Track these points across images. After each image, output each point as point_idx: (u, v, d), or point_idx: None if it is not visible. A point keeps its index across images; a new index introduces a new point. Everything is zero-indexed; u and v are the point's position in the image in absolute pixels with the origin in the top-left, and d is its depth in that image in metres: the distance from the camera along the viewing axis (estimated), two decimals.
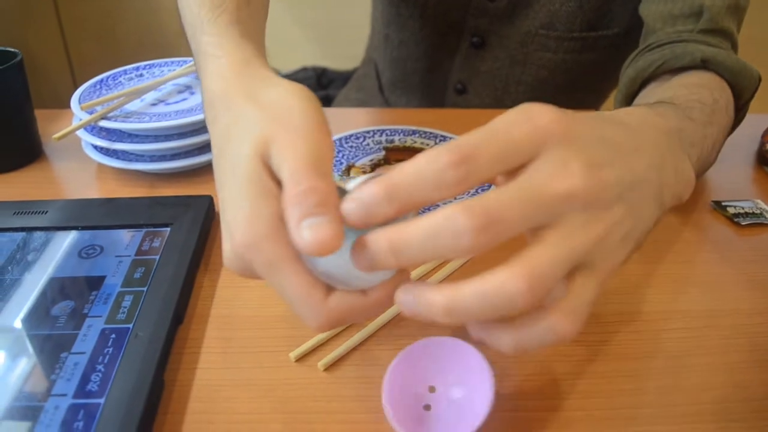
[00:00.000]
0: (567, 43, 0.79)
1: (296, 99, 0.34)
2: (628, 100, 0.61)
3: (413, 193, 0.28)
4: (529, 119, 0.29)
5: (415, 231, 0.27)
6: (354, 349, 0.42)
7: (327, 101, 1.12)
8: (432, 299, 0.28)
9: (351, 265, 0.30)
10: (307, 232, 0.28)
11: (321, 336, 0.42)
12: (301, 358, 0.42)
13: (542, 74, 0.82)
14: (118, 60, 1.46)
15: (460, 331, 0.42)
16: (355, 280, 0.31)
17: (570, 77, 0.83)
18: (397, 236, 0.28)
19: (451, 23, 0.83)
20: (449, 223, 0.26)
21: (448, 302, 0.28)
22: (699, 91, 0.53)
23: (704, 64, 0.57)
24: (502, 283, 0.27)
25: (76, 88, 0.65)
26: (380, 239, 0.28)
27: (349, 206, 0.29)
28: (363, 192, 0.28)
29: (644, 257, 0.51)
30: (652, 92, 0.57)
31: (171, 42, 1.45)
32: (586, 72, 0.83)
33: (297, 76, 1.21)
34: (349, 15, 1.33)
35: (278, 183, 0.31)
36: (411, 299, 0.29)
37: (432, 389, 0.37)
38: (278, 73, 1.22)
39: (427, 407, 0.37)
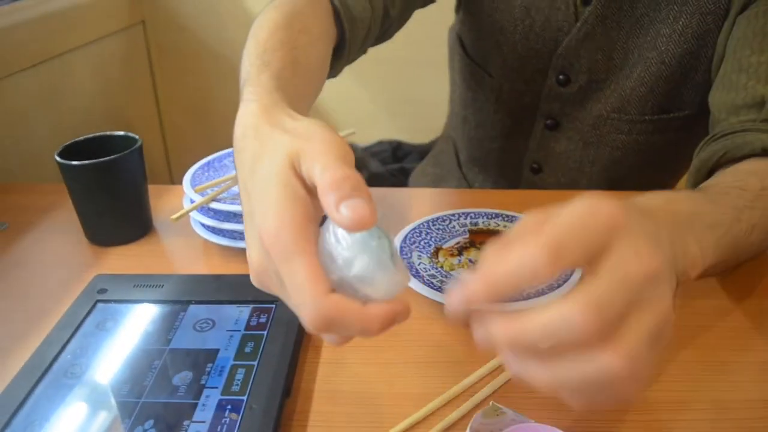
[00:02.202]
0: (639, 126, 0.82)
1: (318, 126, 0.38)
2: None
3: (510, 290, 0.32)
4: (596, 214, 0.33)
5: (534, 327, 0.31)
6: (452, 427, 0.45)
7: (403, 173, 1.17)
8: (496, 333, 0.32)
9: (365, 273, 0.33)
10: (346, 210, 0.32)
11: (419, 413, 0.45)
12: None
13: (616, 155, 0.85)
14: (207, 133, 1.58)
15: (567, 422, 0.44)
16: (364, 289, 0.33)
17: (643, 157, 0.85)
18: (519, 331, 0.31)
19: (525, 107, 0.87)
20: (567, 324, 0.30)
21: (512, 337, 0.32)
22: (745, 178, 0.56)
23: (765, 153, 0.59)
24: (562, 313, 0.31)
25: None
26: (501, 331, 0.32)
27: (454, 301, 0.33)
28: (466, 287, 0.32)
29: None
30: (712, 181, 0.60)
31: None
32: (659, 152, 0.85)
33: (373, 149, 1.27)
34: (423, 92, 1.40)
35: (308, 190, 0.35)
36: (481, 332, 0.33)
37: None
38: (356, 145, 1.29)
39: None
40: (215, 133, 1.58)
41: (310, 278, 0.33)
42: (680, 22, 0.74)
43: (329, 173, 0.33)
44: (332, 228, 0.34)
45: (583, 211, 0.33)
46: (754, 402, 0.47)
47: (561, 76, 0.82)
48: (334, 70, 0.71)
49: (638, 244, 0.33)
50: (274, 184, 0.35)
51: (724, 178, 0.58)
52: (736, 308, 0.57)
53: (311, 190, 0.35)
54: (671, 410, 0.46)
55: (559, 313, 0.31)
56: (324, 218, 0.35)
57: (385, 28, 0.77)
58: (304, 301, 0.33)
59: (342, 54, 0.69)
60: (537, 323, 0.31)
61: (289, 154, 0.36)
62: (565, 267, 0.32)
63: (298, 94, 0.53)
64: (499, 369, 0.50)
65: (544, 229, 0.32)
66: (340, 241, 0.33)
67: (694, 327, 0.55)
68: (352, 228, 0.32)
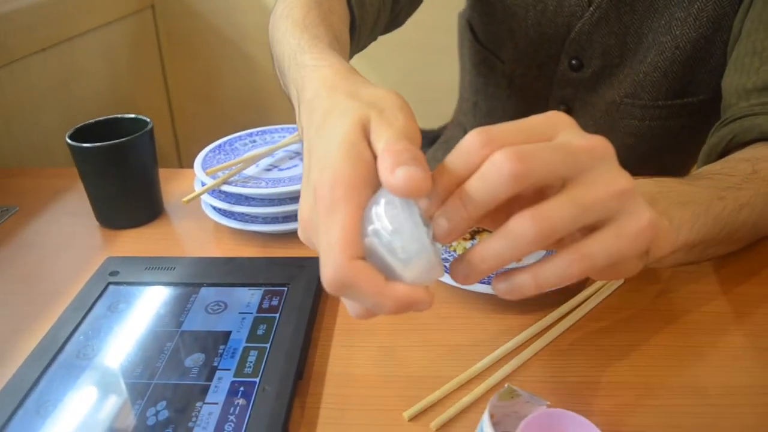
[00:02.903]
0: (652, 111, 0.81)
1: (392, 95, 0.38)
2: None
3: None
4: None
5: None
6: (466, 410, 0.45)
7: None
8: (521, 280, 0.34)
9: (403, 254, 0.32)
10: (401, 172, 0.31)
11: (433, 396, 0.45)
12: (414, 418, 0.44)
13: (629, 141, 0.84)
14: (216, 118, 1.57)
15: (580, 406, 0.44)
16: (396, 265, 0.32)
17: (657, 143, 0.84)
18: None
19: (538, 93, 0.86)
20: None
21: (535, 277, 0.34)
22: (735, 164, 0.55)
23: None
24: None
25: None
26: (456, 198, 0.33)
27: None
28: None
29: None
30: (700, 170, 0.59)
31: (266, 102, 1.54)
32: (673, 138, 0.84)
33: None
34: (433, 77, 1.39)
35: (373, 156, 0.34)
36: (504, 285, 0.35)
37: None
38: None
39: None
40: (224, 118, 1.58)
41: (342, 238, 0.32)
42: (695, 6, 0.73)
43: (391, 143, 0.33)
44: (383, 196, 0.33)
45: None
46: (733, 388, 0.46)
47: (574, 61, 0.81)
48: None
49: (617, 169, 0.35)
50: (341, 141, 0.35)
51: (712, 166, 0.57)
52: (718, 294, 0.56)
53: (375, 159, 0.35)
54: (649, 395, 0.46)
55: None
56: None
57: (396, 13, 0.76)
58: (331, 258, 0.32)
59: (353, 38, 0.69)
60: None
61: (362, 117, 0.36)
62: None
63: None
64: (513, 352, 0.50)
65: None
66: (387, 211, 0.32)
67: (674, 312, 0.54)
68: (404, 192, 0.31)
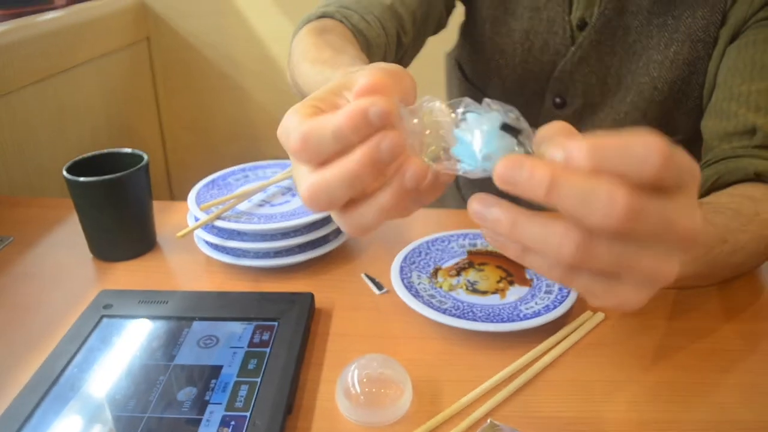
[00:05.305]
0: None
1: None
2: None
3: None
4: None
5: (576, 179, 0.29)
6: None
7: None
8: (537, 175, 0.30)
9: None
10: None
11: (419, 431, 0.47)
12: None
13: None
14: (208, 150, 1.59)
15: None
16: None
17: None
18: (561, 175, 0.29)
19: None
20: (604, 194, 0.28)
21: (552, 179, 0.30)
22: (741, 200, 0.57)
23: (758, 178, 0.60)
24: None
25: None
26: (540, 173, 0.29)
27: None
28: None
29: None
30: (710, 198, 0.60)
31: (258, 134, 1.57)
32: None
33: None
34: None
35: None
36: (479, 207, 0.33)
37: None
38: None
39: None
40: (216, 148, 1.60)
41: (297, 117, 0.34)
42: (671, 49, 0.76)
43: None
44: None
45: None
46: (739, 423, 0.48)
47: (557, 99, 0.84)
48: None
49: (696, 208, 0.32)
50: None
51: (720, 198, 0.59)
52: (700, 330, 0.58)
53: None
54: (658, 430, 0.48)
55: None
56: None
57: (400, 56, 0.79)
58: (290, 129, 0.33)
59: None
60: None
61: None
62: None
63: None
64: (496, 388, 0.51)
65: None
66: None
67: (655, 347, 0.56)
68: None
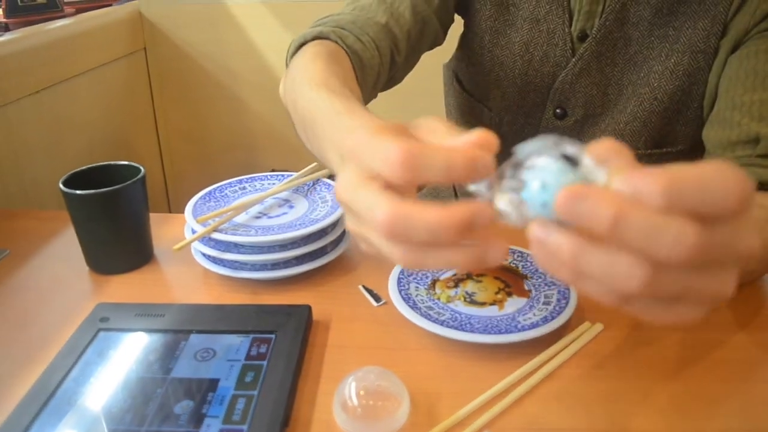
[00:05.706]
0: None
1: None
2: None
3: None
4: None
5: (644, 215, 0.29)
6: None
7: None
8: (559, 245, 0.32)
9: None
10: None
11: None
12: None
13: None
14: (205, 161, 1.60)
15: None
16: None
17: None
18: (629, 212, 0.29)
19: (525, 139, 0.89)
20: (674, 230, 0.29)
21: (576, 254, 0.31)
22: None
23: (762, 187, 0.61)
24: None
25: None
26: (605, 206, 0.29)
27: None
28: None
29: None
30: None
31: (255, 144, 1.57)
32: None
33: None
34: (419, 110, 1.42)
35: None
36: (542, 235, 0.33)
37: None
38: None
39: None
40: (213, 159, 1.60)
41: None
42: (672, 60, 0.76)
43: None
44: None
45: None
46: None
47: (558, 110, 0.85)
48: None
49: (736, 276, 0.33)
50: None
51: None
52: (699, 342, 0.58)
53: None
54: None
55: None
56: None
57: (392, 73, 0.80)
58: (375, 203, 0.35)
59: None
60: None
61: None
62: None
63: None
64: (493, 400, 0.51)
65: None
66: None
67: (654, 359, 0.56)
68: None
